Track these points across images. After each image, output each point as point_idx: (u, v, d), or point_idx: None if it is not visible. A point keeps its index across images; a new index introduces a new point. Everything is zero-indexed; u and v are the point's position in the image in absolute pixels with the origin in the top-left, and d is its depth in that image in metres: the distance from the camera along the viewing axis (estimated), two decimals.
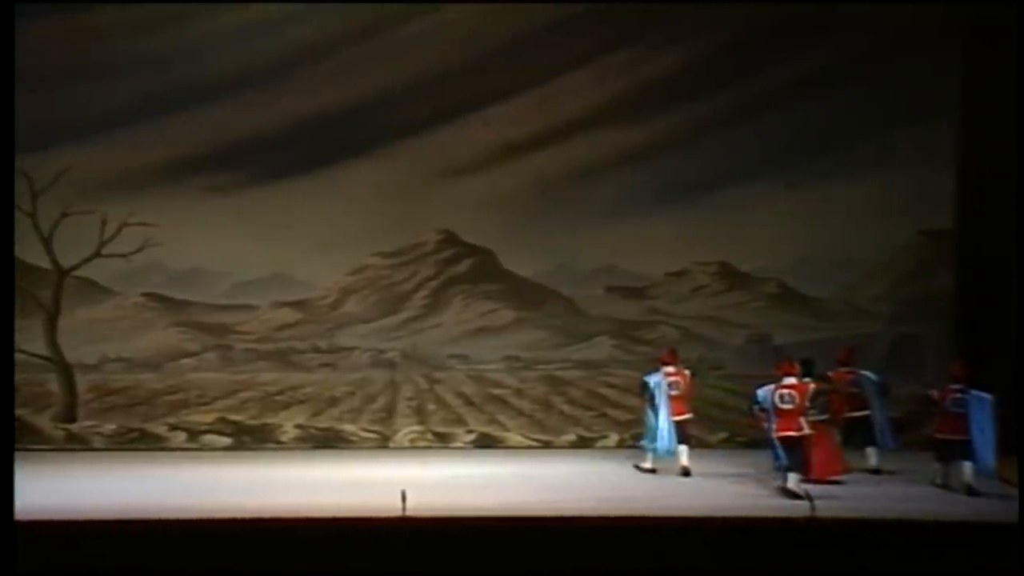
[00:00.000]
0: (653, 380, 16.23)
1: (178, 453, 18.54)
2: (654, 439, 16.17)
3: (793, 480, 14.70)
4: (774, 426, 14.85)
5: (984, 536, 12.87)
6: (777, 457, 14.87)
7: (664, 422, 16.06)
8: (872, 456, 16.20)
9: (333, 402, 19.10)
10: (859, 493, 14.99)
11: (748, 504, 14.27)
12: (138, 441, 18.86)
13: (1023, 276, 15.41)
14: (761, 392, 15.06)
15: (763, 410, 15.00)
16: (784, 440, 14.82)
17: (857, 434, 16.12)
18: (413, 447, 18.90)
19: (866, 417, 16.20)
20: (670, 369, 16.33)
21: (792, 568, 12.63)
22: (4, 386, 12.67)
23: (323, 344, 19.25)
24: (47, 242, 18.71)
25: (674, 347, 17.08)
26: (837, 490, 14.96)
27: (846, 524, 13.29)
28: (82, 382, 18.96)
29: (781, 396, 14.89)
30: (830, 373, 16.11)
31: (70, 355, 18.90)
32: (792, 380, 14.95)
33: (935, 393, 15.36)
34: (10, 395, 13.00)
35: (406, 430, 19.02)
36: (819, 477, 15.12)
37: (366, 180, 18.88)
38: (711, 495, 14.93)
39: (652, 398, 16.16)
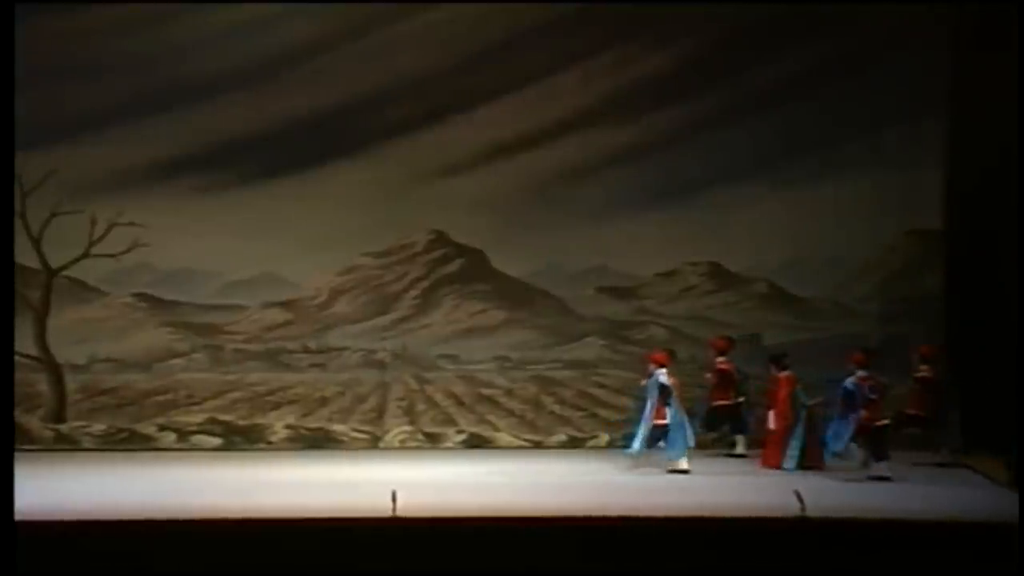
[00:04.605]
0: (666, 381, 16.31)
1: (168, 453, 18.51)
2: (660, 440, 16.32)
3: (884, 467, 15.47)
4: (863, 415, 15.50)
5: (984, 536, 12.87)
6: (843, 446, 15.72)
7: (687, 425, 16.29)
8: (740, 443, 17.40)
9: (323, 402, 19.08)
10: (853, 493, 15.02)
11: (738, 503, 14.28)
12: (128, 441, 18.82)
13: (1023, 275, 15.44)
14: (850, 383, 15.63)
15: (855, 401, 15.60)
16: (880, 429, 15.58)
17: (727, 422, 17.37)
18: (403, 447, 18.89)
19: (738, 405, 17.34)
20: (665, 371, 16.43)
21: (785, 568, 12.65)
22: (3, 387, 12.66)
23: (313, 344, 19.23)
24: (36, 242, 18.67)
25: (671, 349, 17.21)
26: (830, 489, 14.99)
27: (840, 524, 13.31)
28: (71, 382, 18.92)
29: (871, 388, 15.55)
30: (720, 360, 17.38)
31: (59, 355, 18.86)
32: (866, 372, 15.61)
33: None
34: (10, 396, 12.99)
35: (396, 430, 19.01)
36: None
37: (356, 180, 18.86)
38: (702, 495, 14.94)
39: (669, 400, 16.25)
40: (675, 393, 16.32)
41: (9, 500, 11.75)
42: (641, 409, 16.65)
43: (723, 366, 17.49)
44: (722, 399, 17.40)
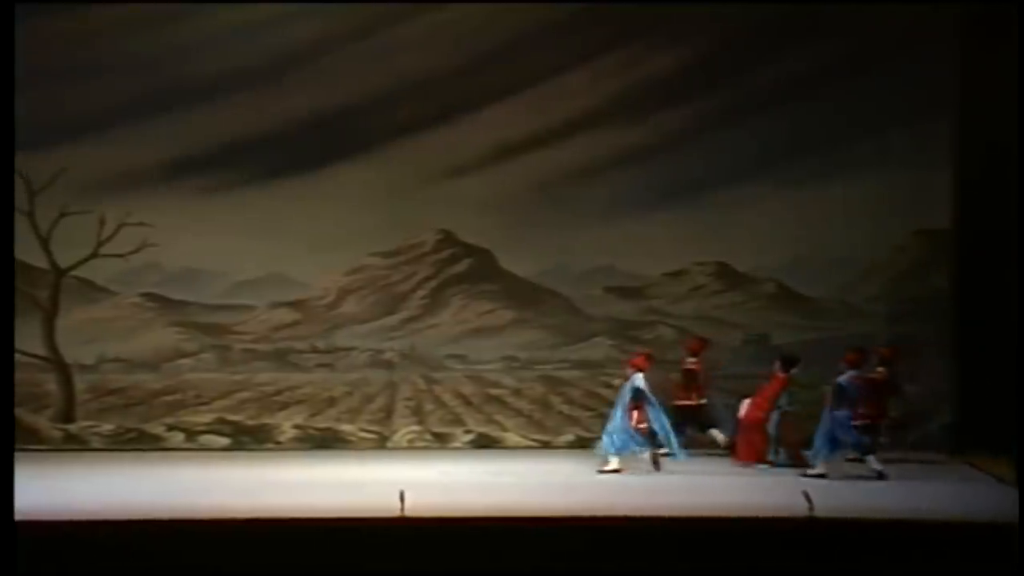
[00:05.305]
0: (642, 385, 16.35)
1: (176, 453, 18.55)
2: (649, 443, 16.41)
3: (873, 460, 15.81)
4: (860, 412, 15.84)
5: (984, 536, 12.86)
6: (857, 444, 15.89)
7: (669, 428, 16.39)
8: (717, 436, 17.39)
9: (331, 402, 19.10)
10: (859, 492, 15.02)
11: (747, 503, 14.28)
12: (136, 441, 18.86)
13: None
14: (845, 381, 15.85)
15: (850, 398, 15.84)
16: (871, 427, 16.01)
17: (689, 422, 17.29)
18: (411, 447, 18.91)
19: (700, 406, 17.45)
20: (643, 375, 16.47)
21: (792, 568, 12.64)
22: (4, 386, 12.67)
23: (321, 344, 19.25)
24: (45, 242, 18.72)
25: (650, 352, 17.23)
26: (837, 489, 14.99)
27: (845, 524, 13.29)
28: (80, 382, 18.97)
29: (863, 385, 15.87)
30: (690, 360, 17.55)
31: (68, 355, 18.91)
32: (858, 371, 15.93)
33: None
34: (10, 395, 12.99)
35: (404, 430, 19.02)
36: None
37: (363, 180, 18.88)
38: (710, 495, 14.93)
39: (644, 404, 16.31)
40: (649, 394, 16.35)
41: (9, 500, 11.74)
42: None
43: (691, 366, 17.57)
44: (684, 399, 17.45)
